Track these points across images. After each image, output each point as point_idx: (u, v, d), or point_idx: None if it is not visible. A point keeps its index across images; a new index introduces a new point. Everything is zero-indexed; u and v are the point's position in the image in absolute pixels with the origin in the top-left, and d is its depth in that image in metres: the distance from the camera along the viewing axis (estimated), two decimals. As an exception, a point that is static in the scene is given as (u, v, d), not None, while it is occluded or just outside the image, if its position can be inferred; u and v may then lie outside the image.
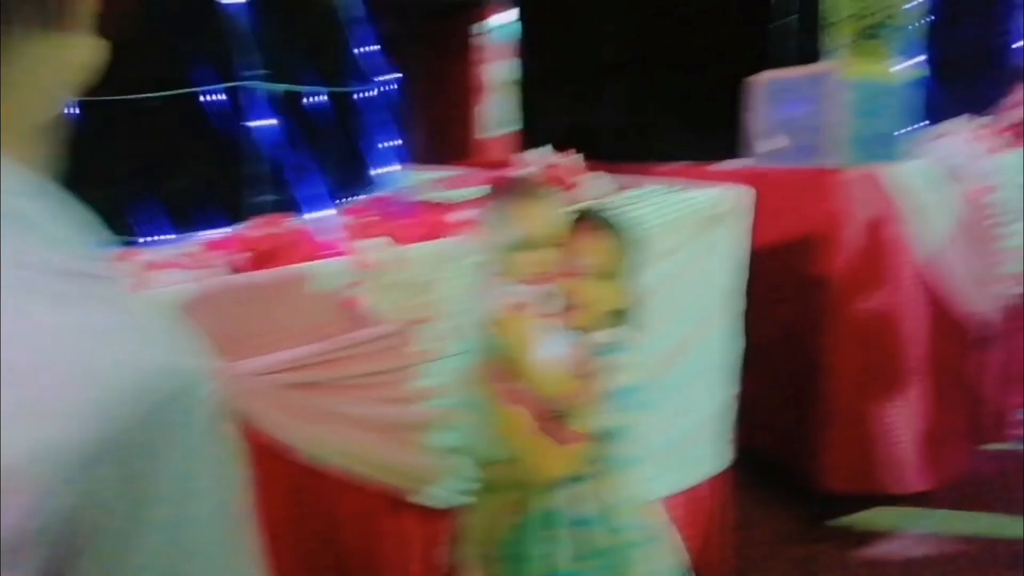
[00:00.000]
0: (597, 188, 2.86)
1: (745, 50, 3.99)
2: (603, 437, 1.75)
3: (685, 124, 4.38)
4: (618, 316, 1.83)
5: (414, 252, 2.07)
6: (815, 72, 3.44)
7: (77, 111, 2.18)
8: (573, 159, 2.89)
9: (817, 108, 3.35)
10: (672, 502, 2.73)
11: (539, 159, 2.88)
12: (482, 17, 9.80)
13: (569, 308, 1.72)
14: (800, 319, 3.44)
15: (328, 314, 1.85)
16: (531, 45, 6.19)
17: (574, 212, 1.86)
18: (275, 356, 1.84)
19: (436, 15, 9.14)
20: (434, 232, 2.18)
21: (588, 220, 1.81)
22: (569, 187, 2.76)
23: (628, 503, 1.84)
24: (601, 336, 1.77)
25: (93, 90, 1.91)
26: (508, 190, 1.81)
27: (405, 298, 2.07)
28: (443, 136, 8.64)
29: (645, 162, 4.48)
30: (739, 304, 2.95)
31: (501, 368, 1.69)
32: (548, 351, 1.70)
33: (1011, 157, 3.72)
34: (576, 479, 1.75)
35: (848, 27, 3.97)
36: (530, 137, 6.11)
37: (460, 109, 9.57)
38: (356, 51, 3.10)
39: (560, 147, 5.39)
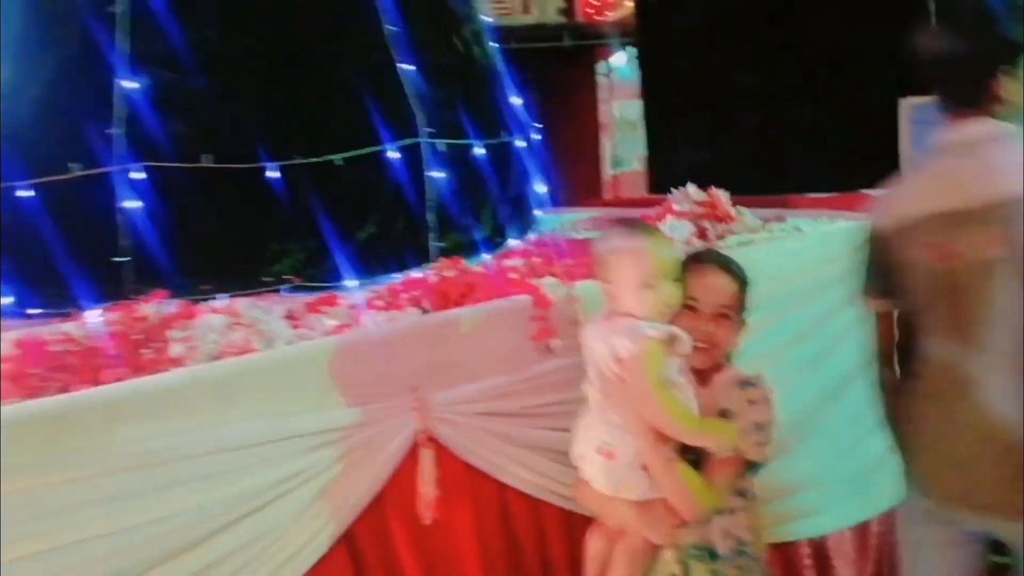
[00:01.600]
0: (752, 221, 2.92)
1: (892, 74, 3.93)
2: (750, 470, 1.77)
3: (826, 153, 4.35)
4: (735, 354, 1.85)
5: (581, 290, 2.20)
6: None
7: (279, 172, 2.49)
8: (721, 193, 2.96)
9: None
10: (846, 536, 2.70)
11: (687, 195, 2.96)
12: (604, 57, 10.05)
13: (698, 349, 1.73)
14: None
15: (512, 349, 2.00)
16: (654, 82, 6.29)
17: (691, 254, 1.90)
18: (466, 387, 2.01)
19: (559, 57, 9.44)
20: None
21: (707, 262, 1.85)
22: (725, 219, 2.83)
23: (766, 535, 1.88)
24: (732, 374, 1.81)
25: (293, 153, 2.20)
26: (624, 230, 1.83)
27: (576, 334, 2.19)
28: (572, 175, 8.84)
29: (783, 194, 4.46)
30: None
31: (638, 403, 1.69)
32: (681, 389, 1.72)
33: None
34: (725, 511, 1.76)
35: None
36: (658, 174, 6.18)
37: (587, 148, 9.78)
38: (505, 104, 3.32)
39: (691, 179, 5.44)
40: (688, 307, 1.77)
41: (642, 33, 6.33)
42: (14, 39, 2.56)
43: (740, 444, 1.70)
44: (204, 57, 2.53)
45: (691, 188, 2.99)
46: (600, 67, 10.21)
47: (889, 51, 3.89)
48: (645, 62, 6.24)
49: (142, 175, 2.40)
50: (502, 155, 3.08)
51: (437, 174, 2.73)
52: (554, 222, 3.92)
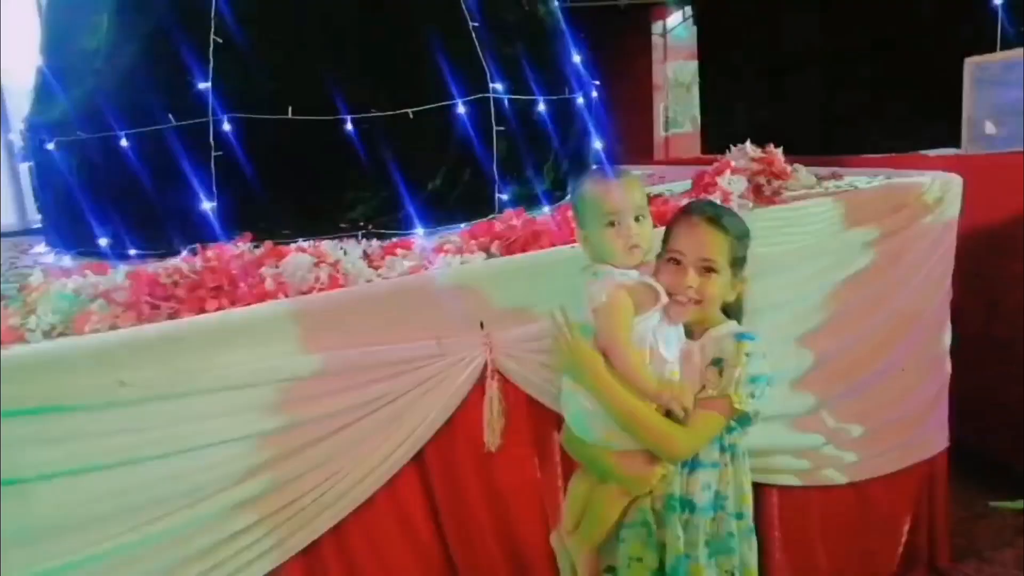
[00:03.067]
0: (807, 178, 2.98)
1: (953, 34, 3.90)
2: (738, 423, 1.76)
3: (886, 114, 4.33)
4: (731, 309, 1.85)
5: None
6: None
7: (355, 125, 2.63)
8: (776, 150, 3.02)
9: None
10: (880, 483, 2.81)
11: (744, 151, 3.03)
12: (660, 17, 9.93)
13: (680, 303, 1.73)
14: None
15: (572, 291, 2.13)
16: (711, 43, 6.25)
17: (682, 206, 1.88)
18: (530, 327, 2.16)
19: (614, 17, 9.37)
20: (661, 219, 2.41)
21: (694, 213, 1.80)
22: (780, 176, 2.90)
23: (748, 491, 1.85)
24: (729, 327, 1.80)
25: (369, 106, 2.34)
26: (595, 172, 1.88)
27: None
28: (626, 135, 8.82)
29: (842, 155, 4.46)
30: (948, 292, 2.97)
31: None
32: (660, 342, 1.71)
33: None
34: (707, 464, 1.77)
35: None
36: (712, 135, 6.18)
37: (640, 109, 9.73)
38: (567, 61, 3.40)
39: (748, 136, 5.46)
40: (673, 259, 1.77)
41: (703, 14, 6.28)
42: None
43: (731, 394, 1.70)
44: (287, 15, 2.67)
45: (748, 145, 3.05)
46: (655, 27, 10.10)
47: (954, 8, 3.88)
48: (702, 23, 6.20)
49: (229, 127, 2.56)
50: (564, 111, 3.18)
51: (503, 128, 2.84)
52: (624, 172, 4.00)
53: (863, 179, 3.05)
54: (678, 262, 1.77)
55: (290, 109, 2.59)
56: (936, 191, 2.79)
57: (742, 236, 1.81)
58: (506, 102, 2.86)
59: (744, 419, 1.77)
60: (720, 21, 6.00)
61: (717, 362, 1.75)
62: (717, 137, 6.11)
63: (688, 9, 9.28)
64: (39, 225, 3.37)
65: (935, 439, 2.96)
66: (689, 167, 4.35)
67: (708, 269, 1.76)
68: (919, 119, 4.13)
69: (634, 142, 9.52)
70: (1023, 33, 3.65)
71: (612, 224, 1.72)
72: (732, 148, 3.11)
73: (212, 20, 2.58)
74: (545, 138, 3.05)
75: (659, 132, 10.12)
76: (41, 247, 3.19)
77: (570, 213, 2.16)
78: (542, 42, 3.21)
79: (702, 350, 1.78)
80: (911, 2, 4.24)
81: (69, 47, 2.91)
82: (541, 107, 3.01)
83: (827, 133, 4.89)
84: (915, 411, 2.87)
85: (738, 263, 1.81)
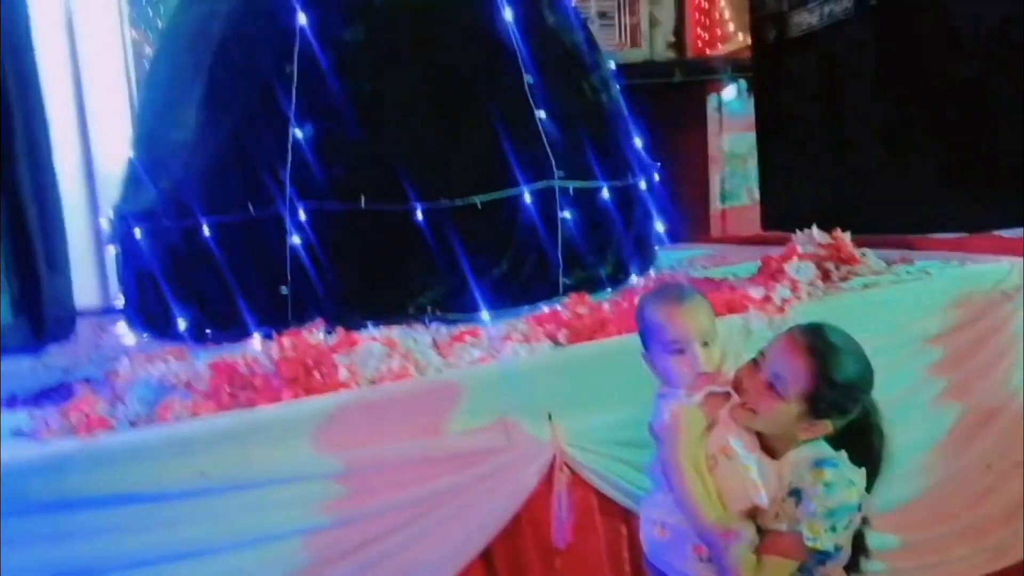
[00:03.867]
0: (876, 263, 2.93)
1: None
2: (817, 558, 1.58)
3: (957, 191, 4.24)
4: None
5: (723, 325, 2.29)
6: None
7: (428, 215, 2.71)
8: (844, 235, 2.99)
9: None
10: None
11: (810, 236, 3.01)
12: (715, 90, 10.06)
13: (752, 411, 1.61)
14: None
15: (642, 381, 2.11)
16: (768, 117, 6.26)
17: (794, 327, 1.70)
18: (600, 417, 2.14)
19: (669, 91, 9.53)
20: (734, 308, 2.40)
21: (793, 338, 1.64)
22: (848, 261, 2.86)
23: None
24: (808, 451, 1.62)
25: (438, 195, 2.40)
26: (662, 293, 1.81)
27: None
28: (682, 209, 8.86)
29: (909, 234, 4.37)
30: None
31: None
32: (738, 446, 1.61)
33: None
34: None
35: None
36: (772, 210, 6.13)
37: (696, 182, 9.78)
38: (629, 146, 3.46)
39: (807, 219, 5.38)
40: (769, 383, 1.60)
41: (758, 71, 6.34)
42: (203, 94, 2.91)
43: (806, 530, 1.55)
44: (361, 108, 2.80)
45: (815, 230, 3.03)
46: (710, 100, 10.23)
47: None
48: (759, 96, 6.23)
49: (305, 216, 2.67)
50: (626, 196, 3.22)
51: (567, 215, 2.89)
52: (672, 258, 4.01)
53: (935, 263, 2.98)
54: (771, 385, 1.61)
55: (363, 198, 2.68)
56: (1016, 278, 2.71)
57: (840, 385, 1.59)
58: (570, 189, 2.91)
59: (823, 555, 1.58)
60: (777, 93, 6.02)
61: (795, 492, 1.58)
62: (777, 211, 6.06)
63: (743, 82, 9.40)
64: (118, 305, 3.52)
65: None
66: (751, 247, 4.34)
67: (798, 398, 1.59)
68: (990, 195, 4.03)
69: (691, 215, 9.55)
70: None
71: (679, 351, 1.66)
72: (797, 232, 3.08)
73: (292, 114, 2.71)
74: (608, 223, 3.09)
75: (716, 205, 10.15)
76: (121, 327, 3.32)
77: (634, 299, 2.16)
78: (605, 128, 3.28)
79: (779, 476, 1.62)
80: (980, 74, 4.19)
81: (158, 140, 3.09)
82: (604, 193, 3.06)
83: (893, 208, 4.79)
84: (999, 513, 2.72)
85: (828, 410, 1.61)
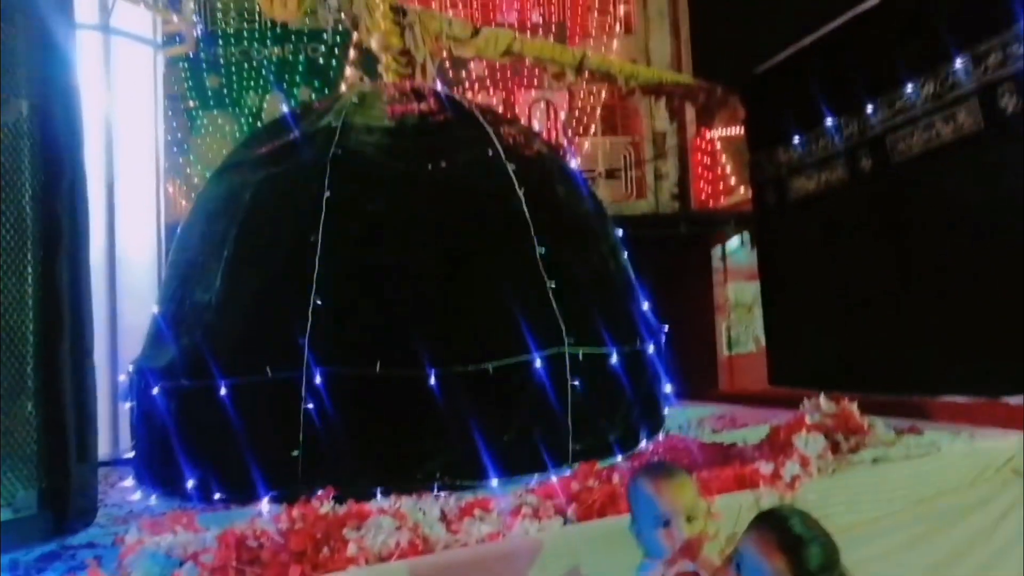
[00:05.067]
0: (884, 433, 2.94)
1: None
2: None
3: (964, 356, 4.29)
4: None
5: (723, 504, 2.29)
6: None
7: (440, 381, 2.77)
8: (852, 405, 3.02)
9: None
10: None
11: (818, 405, 3.04)
12: (720, 240, 10.39)
13: None
14: None
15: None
16: (771, 265, 6.43)
17: (767, 511, 1.67)
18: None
19: (675, 242, 9.84)
20: (743, 484, 2.40)
21: (763, 538, 1.59)
22: (856, 431, 2.87)
23: None
24: None
25: (451, 361, 2.46)
26: (653, 469, 1.86)
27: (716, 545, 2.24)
28: (689, 359, 8.92)
29: (918, 394, 4.39)
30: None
31: None
32: None
33: None
34: None
35: None
36: (778, 363, 6.17)
37: (703, 331, 9.91)
38: (637, 311, 3.56)
39: (812, 376, 5.39)
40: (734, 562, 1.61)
41: (760, 232, 6.58)
42: (229, 258, 3.06)
43: None
44: (379, 276, 2.93)
45: (822, 399, 3.06)
46: (715, 250, 10.53)
47: (1010, 271, 3.96)
48: (763, 259, 6.44)
49: (320, 380, 2.73)
50: (635, 360, 3.29)
51: (576, 381, 2.95)
52: (680, 417, 4.02)
53: (945, 435, 2.99)
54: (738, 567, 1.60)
55: (378, 363, 2.76)
56: (1025, 455, 2.71)
57: (822, 569, 1.56)
58: (580, 355, 2.98)
59: None
60: (779, 254, 6.22)
61: None
62: (783, 368, 6.11)
63: (746, 233, 9.71)
64: (125, 457, 3.53)
65: None
66: (758, 407, 4.35)
67: None
68: (996, 357, 4.07)
69: (699, 363, 9.61)
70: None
71: (665, 524, 1.72)
72: (805, 401, 3.12)
73: (314, 282, 2.83)
74: (617, 389, 3.14)
75: (723, 352, 10.23)
76: (129, 481, 3.32)
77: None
78: (613, 295, 3.39)
79: None
80: (976, 242, 4.33)
81: (183, 300, 3.21)
82: (613, 359, 3.12)
83: (897, 368, 4.84)
84: None
85: None
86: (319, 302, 2.81)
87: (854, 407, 3.02)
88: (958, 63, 4.21)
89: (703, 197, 10.84)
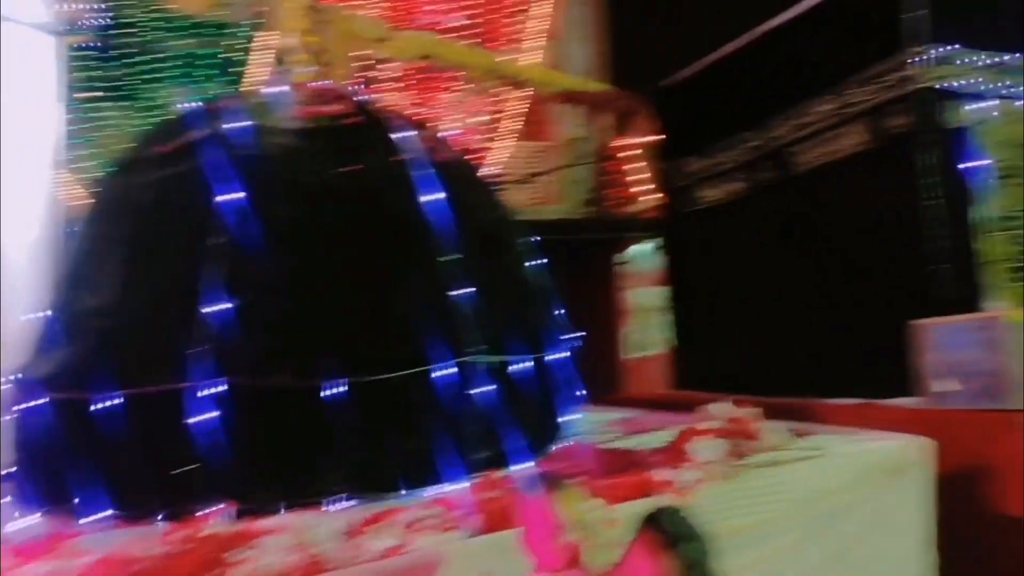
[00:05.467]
0: (777, 437, 3.07)
1: (906, 289, 4.19)
2: None
3: (851, 359, 4.53)
4: None
5: (621, 511, 2.34)
6: (983, 319, 3.61)
7: (344, 389, 2.73)
8: (752, 411, 3.14)
9: (988, 353, 3.47)
10: None
11: (717, 412, 3.15)
12: (628, 244, 10.60)
13: None
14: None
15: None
16: (678, 272, 6.63)
17: (643, 518, 1.71)
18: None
19: (581, 245, 10.00)
20: (639, 491, 2.46)
21: (655, 531, 1.67)
22: (752, 437, 2.99)
23: None
24: None
25: (356, 370, 2.43)
26: (537, 480, 1.91)
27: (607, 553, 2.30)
28: (594, 363, 9.05)
29: (810, 397, 4.61)
30: (931, 556, 2.97)
31: None
32: None
33: None
34: None
35: (1001, 268, 4.15)
36: (683, 367, 6.36)
37: (608, 335, 10.09)
38: (548, 318, 3.60)
39: (714, 380, 5.58)
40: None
41: (668, 238, 6.77)
42: (123, 262, 2.93)
43: None
44: (281, 284, 2.86)
45: (720, 405, 3.17)
46: (621, 255, 10.75)
47: (901, 270, 4.21)
48: (671, 264, 6.62)
49: (216, 391, 2.64)
50: (541, 369, 3.31)
51: (483, 390, 2.95)
52: (586, 423, 4.08)
53: (833, 438, 3.14)
54: None
55: (278, 374, 2.69)
56: (910, 455, 2.88)
57: (703, 553, 1.66)
58: (487, 364, 2.99)
59: None
60: (685, 260, 6.43)
61: None
62: (688, 367, 6.31)
63: (654, 240, 9.93)
64: (6, 472, 3.32)
65: None
66: (661, 411, 4.46)
67: None
68: (880, 362, 4.31)
69: (604, 367, 9.78)
70: (964, 297, 3.95)
71: (548, 535, 1.78)
72: (705, 407, 3.22)
73: (211, 289, 2.74)
74: (523, 397, 3.15)
75: (627, 355, 10.43)
76: (8, 499, 3.12)
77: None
78: (522, 303, 3.42)
79: None
80: (863, 253, 4.58)
81: (74, 304, 3.05)
82: (519, 367, 3.14)
83: (793, 371, 5.07)
84: None
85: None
86: (216, 309, 2.71)
87: (750, 412, 3.13)
88: (853, 83, 4.44)
89: (614, 203, 11.04)
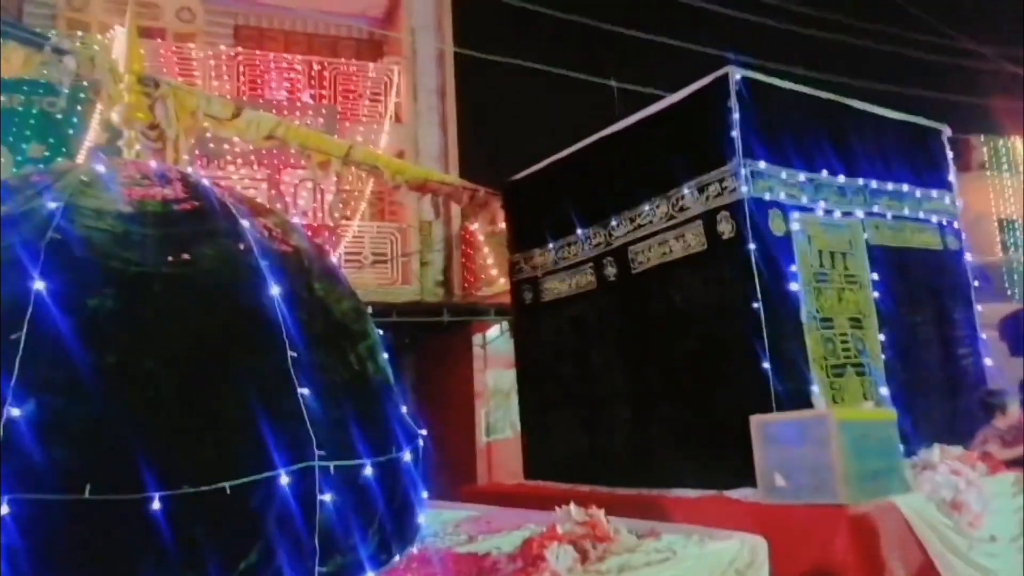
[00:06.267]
0: (627, 540, 3.06)
1: (746, 385, 4.41)
2: None
3: (695, 452, 4.68)
4: None
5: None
6: (813, 416, 3.87)
7: (167, 504, 2.43)
8: (599, 513, 3.12)
9: (819, 449, 3.69)
10: None
11: (568, 514, 3.10)
12: (481, 328, 10.63)
13: None
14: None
15: None
16: (526, 370, 6.68)
17: None
18: None
19: (438, 328, 9.93)
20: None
21: None
22: (604, 539, 2.96)
23: None
24: None
25: (182, 481, 2.18)
26: None
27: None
28: (448, 448, 8.89)
29: (656, 488, 4.70)
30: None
31: None
32: None
33: (994, 483, 4.02)
34: None
35: (821, 365, 4.50)
36: (533, 459, 6.33)
37: (462, 417, 9.99)
38: (395, 417, 3.45)
39: (563, 470, 5.57)
40: None
41: (517, 328, 6.83)
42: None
43: None
44: (97, 383, 2.55)
45: (572, 508, 3.13)
46: (476, 339, 10.77)
47: (738, 367, 4.46)
48: (519, 355, 6.67)
49: (12, 509, 2.28)
50: (391, 470, 3.16)
51: (327, 496, 2.75)
52: (436, 522, 3.91)
53: (679, 539, 3.17)
54: None
55: (88, 487, 2.36)
56: (745, 556, 2.95)
57: None
58: (331, 469, 2.80)
59: None
60: (533, 351, 6.50)
61: None
62: (537, 457, 6.29)
63: (506, 323, 10.05)
64: None
65: None
66: (514, 508, 4.37)
67: None
68: (721, 453, 4.47)
69: (458, 453, 9.63)
70: (792, 393, 4.23)
71: None
72: (556, 509, 3.17)
73: (11, 390, 2.40)
74: (370, 502, 2.98)
75: (481, 439, 10.35)
76: None
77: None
78: (370, 401, 3.26)
79: None
80: (701, 346, 4.80)
81: None
82: (367, 470, 2.97)
83: (638, 459, 5.18)
84: None
85: None
86: (16, 413, 2.37)
87: (601, 515, 3.11)
88: (685, 190, 4.76)
89: (466, 286, 11.14)
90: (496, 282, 10.66)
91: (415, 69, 11.89)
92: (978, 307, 5.66)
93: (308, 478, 2.73)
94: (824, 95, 5.07)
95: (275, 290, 2.99)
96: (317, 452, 2.77)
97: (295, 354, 2.88)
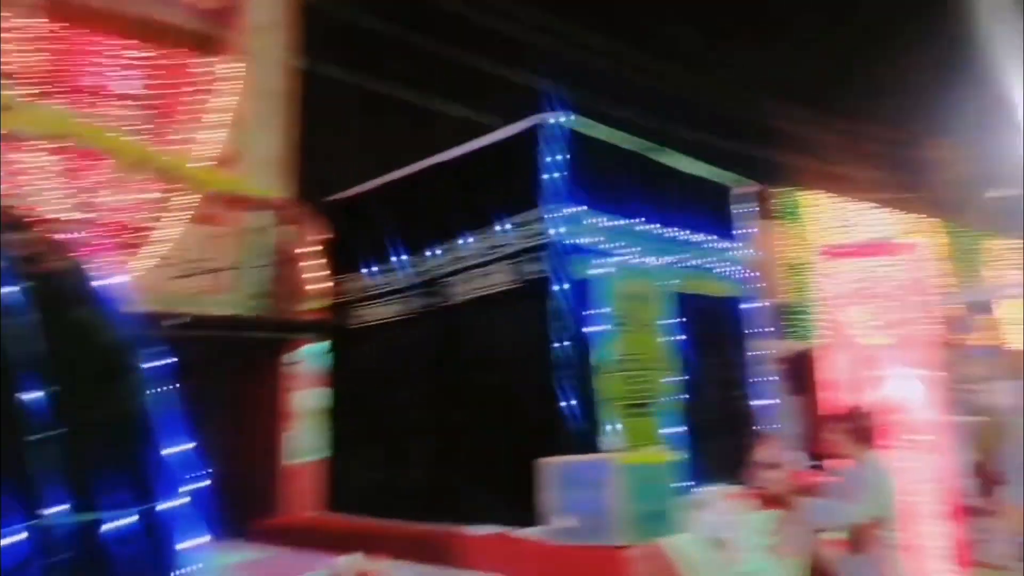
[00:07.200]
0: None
1: (542, 424, 4.49)
2: None
3: (488, 489, 4.69)
4: None
5: None
6: (596, 459, 3.98)
7: None
8: (381, 562, 3.03)
9: (600, 492, 3.80)
10: None
11: (349, 565, 2.99)
12: (296, 347, 10.13)
13: None
14: None
15: None
16: (337, 397, 6.51)
17: None
18: None
19: (247, 344, 9.36)
20: None
21: None
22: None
23: None
24: None
25: None
26: None
27: None
28: (251, 471, 8.39)
29: (452, 523, 4.65)
30: None
31: None
32: None
33: (755, 519, 4.34)
34: None
35: (617, 406, 4.67)
36: (337, 490, 6.14)
37: (268, 439, 9.46)
38: (162, 457, 3.15)
39: (364, 502, 5.40)
40: None
41: (333, 351, 6.63)
42: None
43: None
44: None
45: (356, 558, 3.03)
46: (289, 356, 10.27)
47: (535, 406, 4.53)
48: (333, 381, 6.47)
49: None
50: (151, 521, 2.87)
51: (64, 558, 2.45)
52: (214, 565, 3.63)
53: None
54: None
55: None
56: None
57: None
58: (72, 528, 2.50)
59: None
60: (346, 368, 6.32)
61: None
62: (339, 487, 6.09)
63: (322, 342, 9.66)
64: None
65: None
66: (300, 552, 4.17)
67: None
68: (512, 491, 4.48)
69: (260, 476, 9.09)
70: (586, 433, 4.35)
71: None
72: (340, 559, 3.05)
73: None
74: (124, 561, 2.68)
75: (285, 461, 9.85)
76: None
77: None
78: (130, 444, 2.95)
79: None
80: (501, 382, 4.84)
81: None
82: (119, 524, 2.68)
83: (437, 496, 5.13)
84: None
85: None
86: None
87: (383, 565, 3.03)
88: (498, 228, 4.81)
89: (283, 302, 10.61)
90: (314, 300, 10.25)
91: (252, 70, 11.27)
92: (768, 348, 6.10)
93: (42, 537, 2.42)
94: (634, 147, 5.31)
95: (20, 318, 2.65)
96: (56, 506, 2.47)
97: (38, 393, 2.56)
